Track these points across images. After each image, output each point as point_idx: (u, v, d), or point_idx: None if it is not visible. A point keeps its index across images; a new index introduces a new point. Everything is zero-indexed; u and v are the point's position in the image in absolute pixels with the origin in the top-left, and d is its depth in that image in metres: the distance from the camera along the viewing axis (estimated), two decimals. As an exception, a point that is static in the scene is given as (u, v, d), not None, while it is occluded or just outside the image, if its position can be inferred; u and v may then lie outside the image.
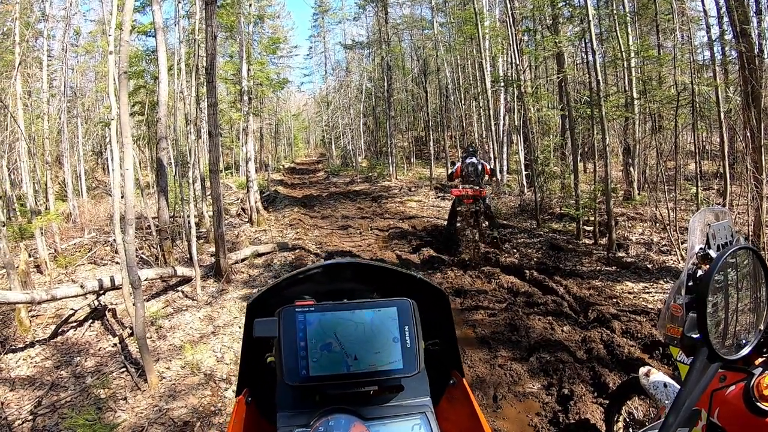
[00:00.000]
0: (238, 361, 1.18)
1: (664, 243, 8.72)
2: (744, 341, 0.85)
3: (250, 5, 18.93)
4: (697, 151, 11.17)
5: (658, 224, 9.54)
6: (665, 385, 3.42)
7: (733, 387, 2.15)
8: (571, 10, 12.84)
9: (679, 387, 3.32)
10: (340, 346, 0.95)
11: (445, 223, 11.22)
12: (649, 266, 7.83)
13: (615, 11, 11.56)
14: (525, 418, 4.26)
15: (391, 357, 0.96)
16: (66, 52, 19.57)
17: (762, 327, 0.86)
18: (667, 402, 3.39)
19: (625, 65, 11.93)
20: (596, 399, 4.32)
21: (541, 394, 4.59)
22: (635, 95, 11.63)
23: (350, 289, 1.05)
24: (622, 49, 11.42)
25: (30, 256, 10.81)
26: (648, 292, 6.91)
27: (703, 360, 0.77)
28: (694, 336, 1.90)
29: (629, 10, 12.87)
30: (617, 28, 11.28)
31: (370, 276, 1.15)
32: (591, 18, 9.67)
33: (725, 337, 0.83)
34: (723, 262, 0.79)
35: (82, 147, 22.83)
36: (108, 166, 24.31)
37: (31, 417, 5.39)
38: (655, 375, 3.57)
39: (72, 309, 7.87)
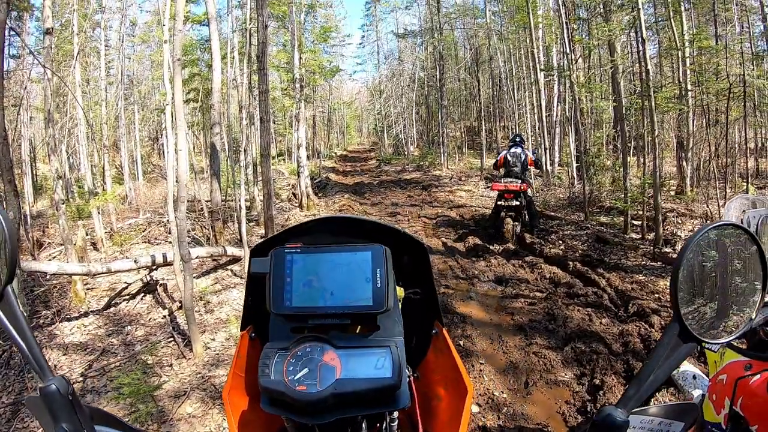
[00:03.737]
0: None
1: (713, 241, 8.49)
2: (730, 328, 0.83)
3: (302, -5, 19.16)
4: (746, 146, 10.78)
5: (708, 221, 9.28)
6: (694, 377, 3.43)
7: (758, 376, 2.14)
8: (622, -3, 12.54)
9: (708, 379, 3.32)
10: (319, 283, 1.09)
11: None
12: (695, 264, 7.65)
13: (669, -1, 11.25)
14: (554, 405, 4.31)
15: (362, 295, 1.08)
16: (122, 42, 20.33)
17: (753, 315, 0.82)
18: (694, 393, 3.39)
19: (680, 55, 11.60)
20: (627, 390, 4.31)
21: (573, 384, 4.63)
22: (689, 87, 11.28)
23: (342, 242, 1.17)
24: (677, 39, 11.09)
25: (87, 234, 11.34)
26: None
27: (671, 335, 0.78)
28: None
29: (684, -1, 12.46)
30: (671, 17, 10.96)
31: (360, 230, 1.27)
32: (640, 6, 9.44)
33: (703, 321, 0.81)
34: (702, 236, 0.80)
35: (138, 132, 23.65)
36: (163, 151, 25.11)
37: (81, 378, 5.78)
38: (685, 366, 3.57)
39: (125, 283, 8.28)
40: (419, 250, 1.29)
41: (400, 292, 1.20)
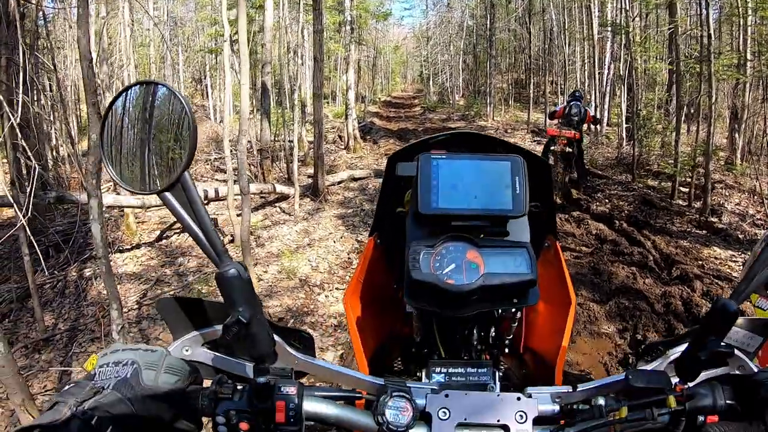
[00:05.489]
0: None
1: (759, 216, 8.40)
2: None
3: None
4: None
5: (756, 197, 9.16)
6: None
7: None
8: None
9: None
10: (463, 187, 1.19)
11: None
12: (740, 236, 7.60)
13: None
14: (597, 355, 4.48)
15: (503, 199, 1.17)
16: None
17: None
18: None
19: (741, 23, 11.16)
20: (668, 348, 4.44)
21: (615, 336, 4.79)
22: (749, 56, 10.89)
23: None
24: (739, 5, 10.65)
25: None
26: (735, 261, 6.76)
27: None
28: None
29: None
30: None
31: (488, 145, 1.39)
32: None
33: None
34: None
35: (183, 73, 23.75)
36: (207, 92, 25.20)
37: (136, 306, 6.06)
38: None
39: (176, 217, 8.54)
40: (543, 167, 1.39)
41: None
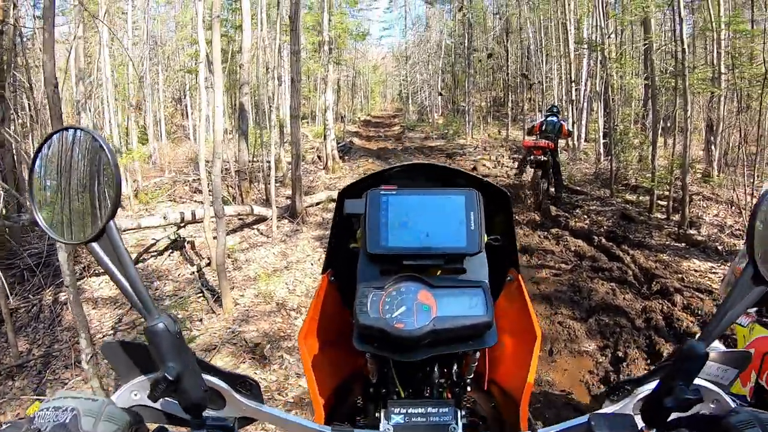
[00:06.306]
0: (319, 276, 1.40)
1: (737, 227, 8.47)
2: None
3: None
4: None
5: (733, 207, 9.24)
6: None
7: None
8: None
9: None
10: (414, 225, 1.14)
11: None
12: (719, 248, 7.64)
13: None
14: (577, 374, 4.43)
15: (456, 236, 1.13)
16: (148, 2, 20.26)
17: None
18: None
19: (715, 37, 11.35)
20: (649, 365, 4.42)
21: (596, 354, 4.75)
22: (723, 70, 11.08)
23: (430, 187, 1.23)
24: (712, 20, 10.85)
25: (113, 193, 11.49)
26: (714, 273, 6.79)
27: (747, 278, 0.83)
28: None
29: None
30: (708, -3, 10.70)
31: (443, 176, 1.33)
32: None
33: None
34: None
35: (162, 93, 23.71)
36: (186, 112, 25.11)
37: (112, 331, 5.94)
38: (715, 344, 3.63)
39: (153, 239, 8.44)
40: (502, 198, 1.34)
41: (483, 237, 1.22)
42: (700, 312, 5.36)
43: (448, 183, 1.27)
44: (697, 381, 0.90)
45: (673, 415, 0.87)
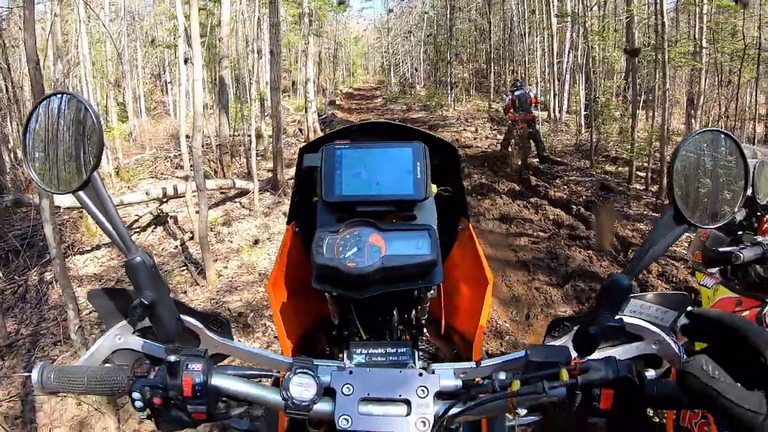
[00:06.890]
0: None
1: (713, 198, 8.61)
2: (716, 217, 0.95)
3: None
4: (756, 110, 10.77)
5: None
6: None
7: (747, 312, 2.31)
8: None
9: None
10: (366, 175, 1.23)
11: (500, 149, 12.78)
12: (694, 218, 7.78)
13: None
14: (553, 338, 4.57)
15: (405, 185, 1.22)
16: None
17: (735, 210, 0.95)
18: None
19: (697, 11, 11.40)
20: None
21: (571, 319, 4.88)
22: (704, 44, 11.16)
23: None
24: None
25: (94, 171, 11.35)
26: (689, 241, 6.94)
27: (668, 217, 0.92)
28: (713, 249, 2.14)
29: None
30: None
31: (397, 133, 1.41)
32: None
33: (696, 208, 0.93)
34: (698, 135, 0.94)
35: (141, 69, 23.36)
36: (166, 87, 24.75)
37: (97, 307, 5.96)
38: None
39: (136, 215, 8.44)
40: (450, 152, 1.42)
41: (433, 188, 1.30)
42: (674, 279, 5.52)
43: (401, 139, 1.33)
44: (638, 322, 1.01)
45: (621, 351, 1.00)
